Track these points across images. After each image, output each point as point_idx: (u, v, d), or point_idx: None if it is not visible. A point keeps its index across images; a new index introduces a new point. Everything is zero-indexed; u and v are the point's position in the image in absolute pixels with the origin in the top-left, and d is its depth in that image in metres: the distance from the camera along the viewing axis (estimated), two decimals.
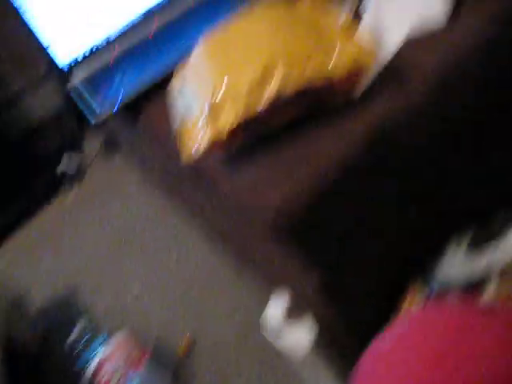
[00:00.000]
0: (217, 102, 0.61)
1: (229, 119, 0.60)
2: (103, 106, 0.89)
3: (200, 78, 0.66)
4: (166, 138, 0.76)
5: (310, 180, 0.60)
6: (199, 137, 0.62)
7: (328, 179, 0.60)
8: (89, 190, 2.17)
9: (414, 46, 0.66)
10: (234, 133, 0.61)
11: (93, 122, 0.92)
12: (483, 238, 0.68)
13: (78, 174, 2.38)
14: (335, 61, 0.59)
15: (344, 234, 0.65)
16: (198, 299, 1.46)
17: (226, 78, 0.62)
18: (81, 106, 0.97)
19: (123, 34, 1.06)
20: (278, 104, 0.60)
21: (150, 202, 1.76)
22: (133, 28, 1.06)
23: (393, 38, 0.68)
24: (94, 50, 1.05)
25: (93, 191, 2.12)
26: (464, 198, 0.73)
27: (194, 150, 0.62)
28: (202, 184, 0.72)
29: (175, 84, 0.73)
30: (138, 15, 1.07)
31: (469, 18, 0.66)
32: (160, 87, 0.83)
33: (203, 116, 0.62)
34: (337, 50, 0.60)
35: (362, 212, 0.65)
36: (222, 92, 0.61)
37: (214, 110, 0.61)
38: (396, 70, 0.65)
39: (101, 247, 1.81)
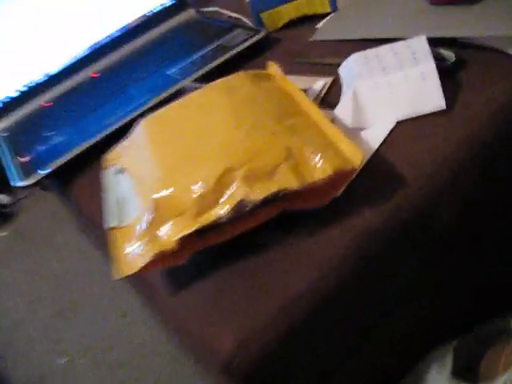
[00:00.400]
0: (163, 203, 0.47)
1: (178, 226, 0.47)
2: (26, 172, 0.74)
3: (141, 168, 0.51)
4: (98, 224, 0.62)
5: (280, 308, 0.46)
6: (141, 246, 0.48)
7: (304, 306, 0.47)
8: (22, 227, 1.99)
9: (405, 134, 0.55)
10: (184, 242, 0.47)
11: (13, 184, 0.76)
12: (467, 361, 0.58)
13: (12, 207, 2.23)
14: (315, 162, 0.47)
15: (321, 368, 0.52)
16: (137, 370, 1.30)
17: (174, 173, 0.48)
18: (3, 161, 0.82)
19: (60, 78, 0.92)
20: (241, 210, 0.47)
21: (87, 255, 1.58)
22: (70, 72, 0.92)
23: (379, 126, 0.56)
24: (27, 90, 0.91)
25: (27, 230, 1.95)
26: (454, 308, 0.62)
27: (132, 259, 0.48)
28: (142, 287, 0.58)
29: (110, 163, 0.59)
30: (77, 58, 0.93)
31: (472, 105, 0.55)
32: (92, 153, 0.70)
33: (145, 218, 0.48)
34: (318, 146, 0.48)
35: (346, 346, 0.53)
36: (169, 192, 0.47)
37: (160, 214, 0.47)
38: (384, 164, 0.53)
39: (31, 297, 1.62)
